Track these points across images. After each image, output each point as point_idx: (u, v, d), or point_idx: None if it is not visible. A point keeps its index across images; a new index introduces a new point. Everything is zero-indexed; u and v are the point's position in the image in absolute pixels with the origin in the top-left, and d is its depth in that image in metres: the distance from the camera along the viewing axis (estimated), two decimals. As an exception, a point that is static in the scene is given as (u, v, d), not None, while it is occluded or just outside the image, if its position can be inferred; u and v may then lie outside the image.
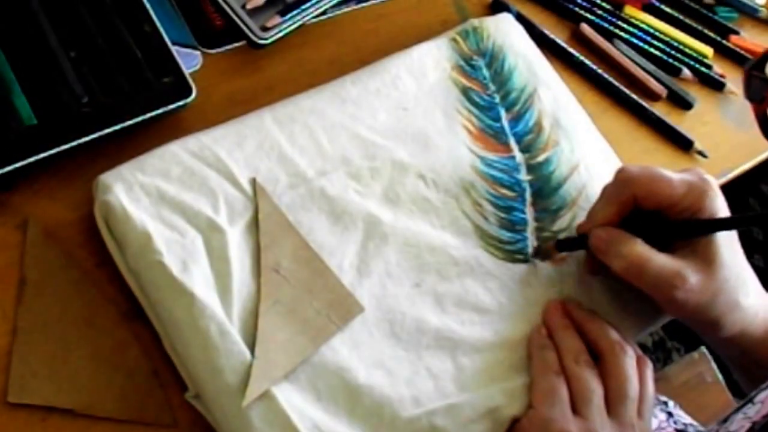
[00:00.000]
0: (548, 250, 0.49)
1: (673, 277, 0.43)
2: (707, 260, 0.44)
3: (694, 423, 0.63)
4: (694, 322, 0.46)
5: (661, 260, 0.44)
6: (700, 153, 0.60)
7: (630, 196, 0.45)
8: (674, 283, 0.43)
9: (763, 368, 0.47)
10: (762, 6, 0.69)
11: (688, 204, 0.45)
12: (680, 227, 0.45)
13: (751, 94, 0.47)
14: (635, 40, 0.63)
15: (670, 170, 0.46)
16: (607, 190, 0.47)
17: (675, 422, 0.62)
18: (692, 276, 0.44)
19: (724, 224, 0.45)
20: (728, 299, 0.45)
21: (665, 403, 0.64)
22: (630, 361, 0.45)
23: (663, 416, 0.62)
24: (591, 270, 0.48)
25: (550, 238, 0.50)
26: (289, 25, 0.52)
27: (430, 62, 0.53)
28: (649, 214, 0.46)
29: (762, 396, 0.40)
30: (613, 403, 0.44)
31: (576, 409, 0.43)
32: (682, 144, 0.60)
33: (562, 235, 0.50)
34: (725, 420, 0.41)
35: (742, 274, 0.46)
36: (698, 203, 0.44)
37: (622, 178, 0.46)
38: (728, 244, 0.45)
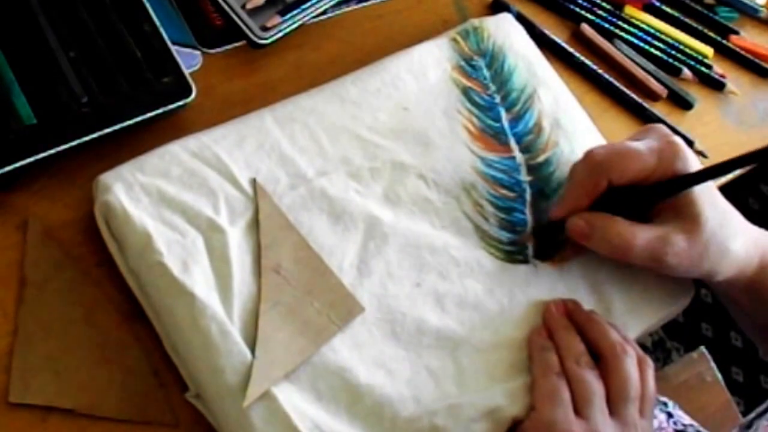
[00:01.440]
0: (524, 241, 0.49)
1: (661, 246, 0.44)
2: (690, 219, 0.44)
3: (694, 423, 0.64)
4: (690, 275, 0.47)
5: (645, 233, 0.44)
6: (701, 153, 0.60)
7: (603, 180, 0.45)
8: (663, 251, 0.44)
9: (765, 304, 0.48)
10: (762, 6, 0.70)
11: (662, 172, 0.45)
12: (654, 192, 0.45)
13: None
14: (635, 41, 0.63)
15: (631, 137, 0.46)
16: (578, 175, 0.47)
17: (675, 423, 0.62)
18: (678, 239, 0.44)
19: (697, 178, 0.45)
20: (718, 249, 0.45)
21: (665, 404, 0.65)
22: (631, 362, 0.45)
23: (663, 417, 0.62)
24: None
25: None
26: (289, 25, 0.52)
27: (430, 62, 0.53)
28: (623, 187, 0.46)
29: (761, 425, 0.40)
30: (615, 404, 0.44)
31: (578, 410, 0.43)
32: (682, 144, 0.60)
33: (562, 237, 0.50)
34: (749, 426, 0.41)
35: (726, 221, 0.46)
36: (671, 168, 0.45)
37: (592, 164, 0.46)
38: (707, 197, 0.45)
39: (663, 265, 0.45)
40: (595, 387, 0.44)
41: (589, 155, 0.46)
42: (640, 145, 0.46)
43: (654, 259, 0.45)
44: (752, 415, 0.42)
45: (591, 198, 0.46)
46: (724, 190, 0.57)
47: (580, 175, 0.47)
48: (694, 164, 0.46)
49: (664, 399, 0.66)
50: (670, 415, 0.63)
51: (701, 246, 0.45)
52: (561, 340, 0.45)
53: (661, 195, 0.46)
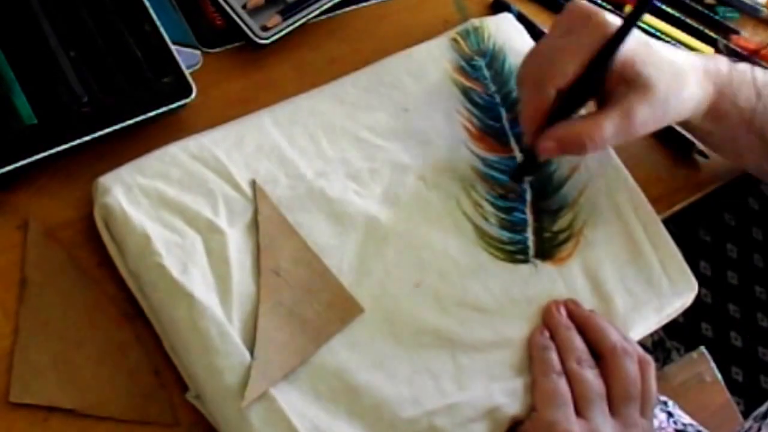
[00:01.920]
0: (510, 188, 0.50)
1: (627, 123, 0.46)
2: (642, 87, 0.46)
3: (694, 423, 0.63)
4: (658, 129, 0.50)
5: (608, 119, 0.46)
6: (701, 154, 0.60)
7: (546, 93, 0.46)
8: (630, 125, 0.46)
9: (727, 120, 0.50)
10: (763, 6, 0.69)
11: (588, 50, 0.45)
12: (594, 69, 0.46)
13: None
14: (636, 40, 0.63)
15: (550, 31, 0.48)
16: (524, 98, 0.48)
17: (675, 422, 0.62)
18: (639, 109, 0.46)
19: (622, 32, 0.45)
20: (677, 99, 0.47)
21: (665, 403, 0.65)
22: (631, 362, 0.45)
23: (663, 416, 0.62)
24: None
25: (550, 239, 0.50)
26: (290, 25, 0.52)
27: (430, 62, 0.53)
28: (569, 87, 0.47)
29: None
30: (615, 404, 0.44)
31: (578, 410, 0.43)
32: (682, 145, 0.60)
33: (562, 236, 0.50)
34: (765, 416, 0.41)
35: (674, 71, 0.47)
36: (594, 41, 0.45)
37: (530, 84, 0.47)
38: (647, 59, 0.46)
39: (635, 134, 0.47)
40: (596, 387, 0.44)
41: (521, 78, 0.48)
42: (555, 38, 0.47)
43: (624, 134, 0.46)
44: (765, 407, 0.42)
45: (544, 113, 0.47)
46: (724, 190, 0.57)
47: (526, 98, 0.48)
48: (612, 20, 0.46)
49: (664, 398, 0.66)
50: (670, 415, 0.63)
51: (661, 104, 0.46)
52: (562, 340, 0.45)
53: (599, 68, 0.46)
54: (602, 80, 0.46)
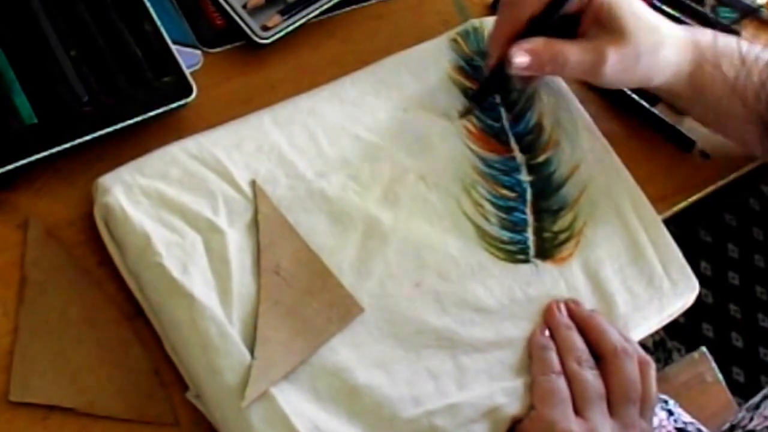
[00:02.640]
0: (468, 108, 0.51)
1: (594, 58, 0.47)
2: (617, 32, 0.47)
3: (694, 422, 0.63)
4: (625, 86, 0.52)
5: (577, 48, 0.47)
6: (702, 153, 0.60)
7: (522, 13, 0.48)
8: (598, 63, 0.47)
9: (705, 95, 0.51)
10: (763, 6, 0.69)
11: None
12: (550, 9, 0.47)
13: None
14: (636, 40, 0.63)
15: None
16: (500, 15, 0.49)
17: (675, 420, 0.62)
18: (610, 51, 0.47)
19: None
20: (649, 57, 0.48)
21: (665, 402, 0.64)
22: (631, 362, 0.45)
23: (663, 414, 0.62)
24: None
25: (550, 239, 0.50)
26: (290, 25, 0.52)
27: (430, 62, 0.53)
28: (542, 15, 0.48)
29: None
30: (615, 404, 0.44)
31: (578, 409, 0.43)
32: (683, 145, 0.60)
33: (563, 236, 0.50)
34: (758, 406, 0.41)
35: (652, 30, 0.48)
36: None
37: (507, 3, 0.49)
38: (628, 8, 0.47)
39: (600, 76, 0.48)
40: (596, 387, 0.44)
41: (501, 1, 0.49)
42: None
43: (590, 72, 0.48)
44: (758, 397, 0.42)
45: (514, 35, 0.48)
46: (725, 190, 0.57)
47: (500, 18, 0.49)
48: None
49: (664, 397, 0.66)
50: (670, 413, 0.63)
51: (632, 56, 0.47)
52: (562, 340, 0.45)
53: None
54: (574, 18, 0.48)
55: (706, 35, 0.51)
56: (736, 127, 0.53)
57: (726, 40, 0.51)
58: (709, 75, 0.50)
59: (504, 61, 0.48)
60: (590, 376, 0.44)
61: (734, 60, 0.49)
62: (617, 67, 0.48)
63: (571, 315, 0.47)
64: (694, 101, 0.53)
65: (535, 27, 0.48)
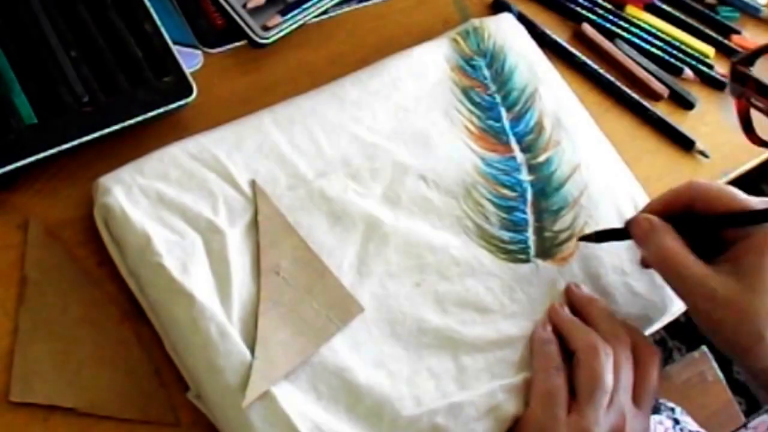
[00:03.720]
0: (589, 237, 0.49)
1: (701, 283, 0.42)
2: (745, 281, 0.42)
3: (701, 430, 0.63)
4: (719, 342, 0.44)
5: (697, 265, 0.43)
6: (702, 153, 0.60)
7: (686, 196, 0.45)
8: (701, 290, 0.42)
9: None
10: (763, 6, 0.69)
11: (723, 209, 0.43)
12: (719, 221, 0.44)
13: (732, 89, 0.46)
14: (637, 40, 0.63)
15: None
16: (673, 191, 0.47)
17: (681, 429, 0.62)
18: (721, 287, 0.42)
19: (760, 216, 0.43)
20: (753, 329, 0.42)
21: (672, 410, 0.64)
22: (624, 349, 0.44)
23: (669, 423, 0.62)
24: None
25: (551, 238, 0.50)
26: (290, 25, 0.52)
27: (430, 62, 0.53)
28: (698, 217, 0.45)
29: (756, 422, 0.40)
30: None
31: (578, 402, 0.43)
32: (683, 144, 0.60)
33: (563, 235, 0.50)
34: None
35: None
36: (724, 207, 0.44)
37: (688, 184, 0.46)
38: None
39: (696, 306, 0.43)
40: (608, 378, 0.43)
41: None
42: (750, 199, 0.44)
43: (691, 293, 0.43)
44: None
45: (667, 207, 0.46)
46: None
47: (674, 192, 0.46)
48: (743, 203, 0.44)
49: (671, 404, 0.66)
50: (677, 422, 0.63)
51: (741, 312, 0.42)
52: (567, 332, 0.45)
53: (724, 224, 0.44)
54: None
55: None
56: None
57: None
58: None
59: (633, 222, 0.46)
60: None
61: None
62: (718, 311, 0.42)
63: (571, 296, 0.47)
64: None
65: (686, 221, 0.45)
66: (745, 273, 0.43)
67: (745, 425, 0.40)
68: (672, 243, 0.44)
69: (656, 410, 0.64)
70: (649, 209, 0.47)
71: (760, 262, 0.43)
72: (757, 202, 0.44)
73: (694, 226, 0.45)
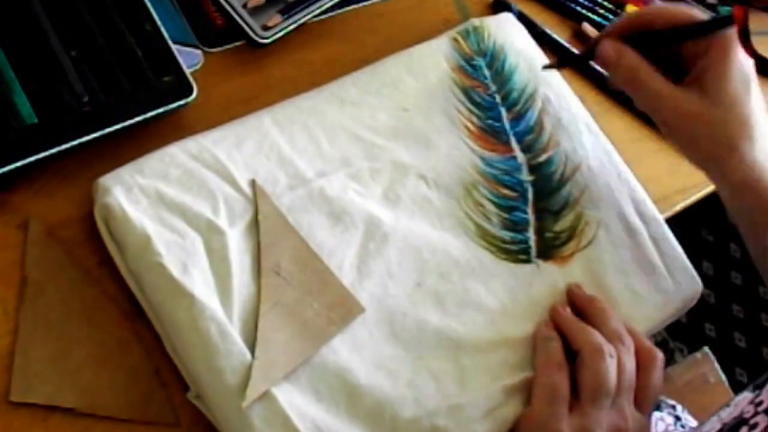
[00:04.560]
0: (551, 65, 0.51)
1: (668, 98, 0.44)
2: (709, 94, 0.44)
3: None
4: (690, 155, 0.47)
5: (664, 82, 0.45)
6: (703, 152, 0.59)
7: (645, 17, 0.46)
8: (668, 104, 0.44)
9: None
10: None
11: (682, 20, 0.45)
12: (673, 33, 0.45)
13: None
14: (638, 40, 0.63)
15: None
16: (626, 16, 0.49)
17: (683, 426, 0.62)
18: (686, 102, 0.44)
19: (704, 27, 0.44)
20: (723, 140, 0.44)
21: (673, 407, 0.64)
22: (627, 351, 0.44)
23: (670, 419, 0.62)
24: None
25: (552, 239, 0.50)
26: (290, 25, 0.52)
27: (430, 62, 0.53)
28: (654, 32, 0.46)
29: (738, 398, 0.40)
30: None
31: (581, 401, 0.43)
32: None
33: (564, 236, 0.50)
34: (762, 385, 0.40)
35: (750, 122, 0.44)
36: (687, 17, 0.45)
37: (643, 7, 0.48)
38: (742, 88, 0.44)
39: (664, 118, 0.45)
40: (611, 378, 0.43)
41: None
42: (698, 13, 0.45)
43: (658, 107, 0.45)
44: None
45: (627, 32, 0.46)
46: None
47: (628, 15, 0.48)
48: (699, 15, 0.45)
49: (672, 402, 0.66)
50: (678, 419, 0.63)
51: (705, 122, 0.43)
52: (569, 330, 0.45)
53: (680, 36, 0.45)
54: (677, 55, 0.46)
55: None
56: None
57: None
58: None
59: (595, 48, 0.47)
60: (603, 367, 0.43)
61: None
62: (684, 121, 0.45)
63: (573, 297, 0.47)
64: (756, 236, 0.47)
65: (645, 41, 0.46)
66: (708, 87, 0.44)
67: (727, 404, 0.40)
68: (637, 62, 0.45)
69: (657, 408, 0.64)
70: (609, 32, 0.47)
71: (720, 73, 0.44)
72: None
73: (653, 42, 0.46)
